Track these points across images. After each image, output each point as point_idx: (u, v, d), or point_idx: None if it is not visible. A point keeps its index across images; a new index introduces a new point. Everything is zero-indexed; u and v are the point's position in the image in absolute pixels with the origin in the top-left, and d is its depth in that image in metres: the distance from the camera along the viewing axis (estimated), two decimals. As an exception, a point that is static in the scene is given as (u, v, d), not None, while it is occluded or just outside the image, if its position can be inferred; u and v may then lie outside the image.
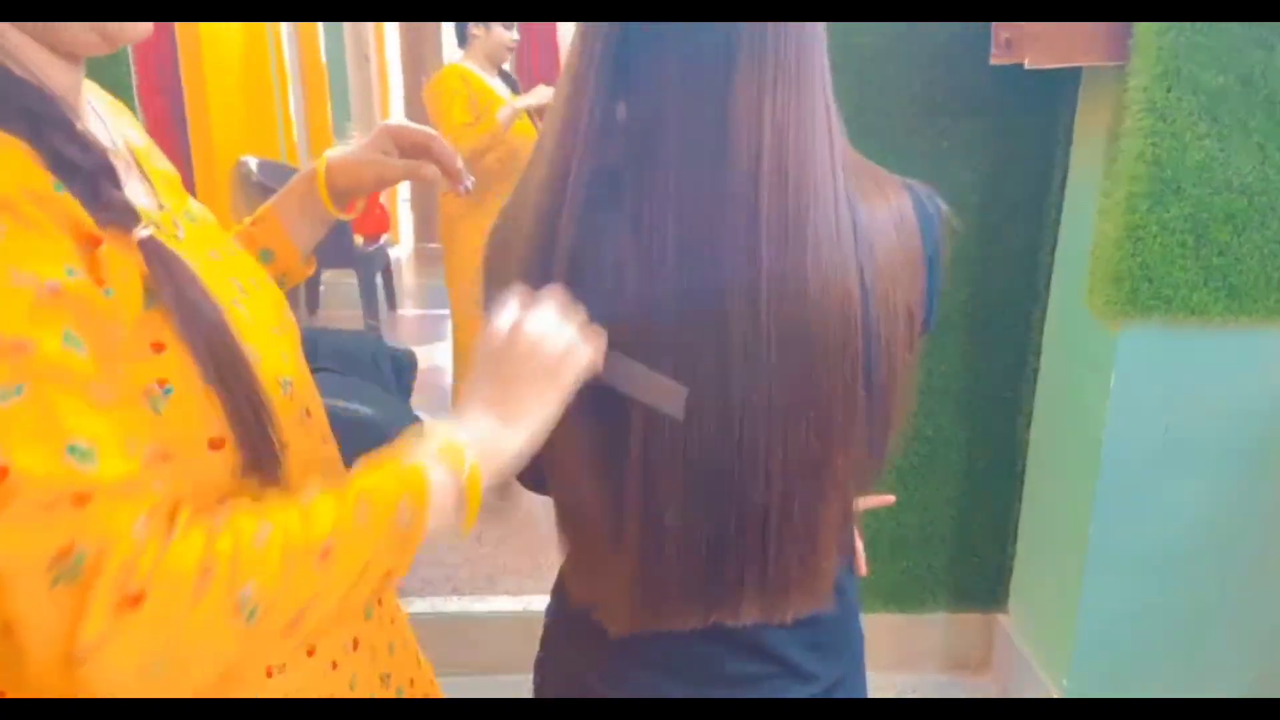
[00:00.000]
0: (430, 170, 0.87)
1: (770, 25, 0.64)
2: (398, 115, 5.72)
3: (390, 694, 0.81)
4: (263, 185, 3.64)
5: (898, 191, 0.73)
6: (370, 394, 1.11)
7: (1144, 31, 1.48)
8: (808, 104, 0.66)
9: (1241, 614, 1.77)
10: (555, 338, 0.66)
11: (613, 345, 0.69)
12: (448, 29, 5.54)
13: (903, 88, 1.81)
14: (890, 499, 0.98)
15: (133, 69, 1.77)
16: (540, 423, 0.67)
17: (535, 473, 0.77)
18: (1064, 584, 1.82)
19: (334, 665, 0.73)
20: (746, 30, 0.64)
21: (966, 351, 1.98)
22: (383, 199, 4.12)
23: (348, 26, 4.91)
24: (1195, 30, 1.45)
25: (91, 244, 0.54)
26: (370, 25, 5.36)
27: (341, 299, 4.76)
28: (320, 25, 4.26)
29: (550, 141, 0.70)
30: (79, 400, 0.50)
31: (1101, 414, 1.66)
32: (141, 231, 0.58)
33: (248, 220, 0.91)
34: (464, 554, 2.60)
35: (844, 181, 0.68)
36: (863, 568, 0.93)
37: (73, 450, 0.49)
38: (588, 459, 0.73)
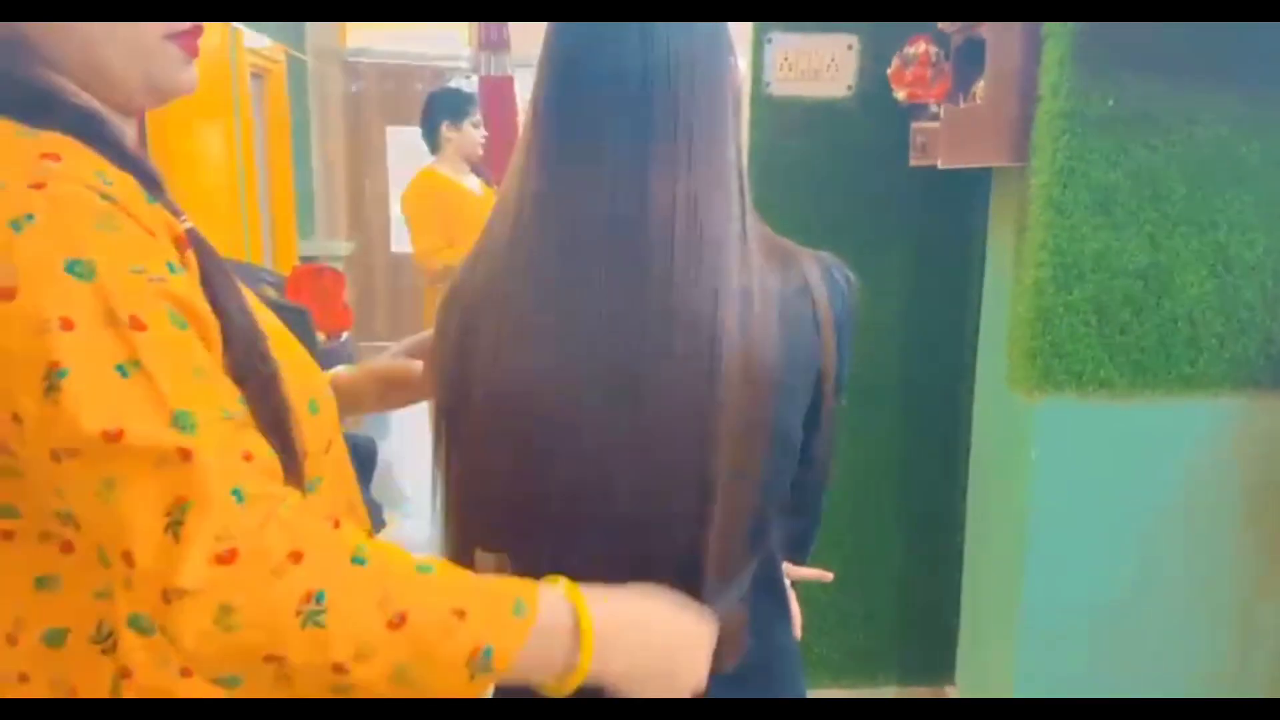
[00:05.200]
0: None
1: (682, 111, 0.75)
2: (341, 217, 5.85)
3: None
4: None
5: (808, 262, 0.82)
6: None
7: (1041, 134, 1.65)
8: (718, 179, 0.76)
9: (1171, 672, 1.85)
10: (702, 653, 0.73)
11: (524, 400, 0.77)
12: (392, 137, 5.75)
13: (832, 186, 1.97)
14: (828, 575, 1.02)
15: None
16: (636, 675, 0.69)
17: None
18: (1002, 653, 1.90)
19: None
20: (660, 117, 0.74)
21: (903, 429, 2.10)
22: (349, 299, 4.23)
23: (316, 126, 5.08)
24: (1086, 133, 1.62)
25: (182, 245, 0.64)
26: (338, 131, 5.57)
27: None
28: (290, 127, 4.42)
29: (498, 215, 0.81)
30: (184, 374, 0.57)
31: (1026, 484, 1.76)
32: (186, 222, 0.66)
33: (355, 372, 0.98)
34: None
35: (747, 248, 0.77)
36: (797, 630, 0.98)
37: (177, 418, 0.55)
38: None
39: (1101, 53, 1.58)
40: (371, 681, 0.58)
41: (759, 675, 0.88)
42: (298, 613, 0.55)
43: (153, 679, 0.67)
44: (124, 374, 0.55)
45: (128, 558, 0.54)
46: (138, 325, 0.56)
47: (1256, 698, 1.86)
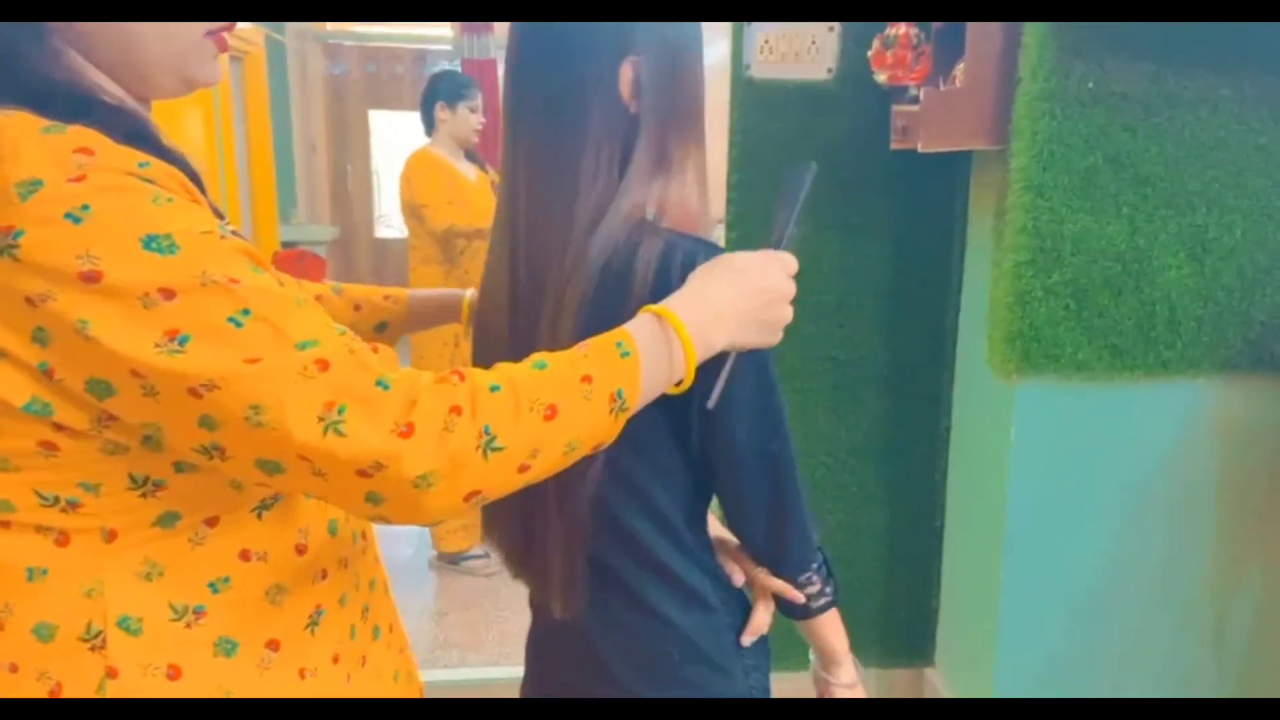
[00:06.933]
0: None
1: (594, 124, 0.83)
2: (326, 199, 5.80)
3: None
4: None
5: (652, 242, 0.83)
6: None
7: (1021, 118, 1.65)
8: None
9: (1149, 652, 1.87)
10: (774, 274, 0.81)
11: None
12: (375, 121, 5.71)
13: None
14: (799, 596, 0.97)
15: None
16: (735, 330, 0.79)
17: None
18: (981, 635, 1.91)
19: (348, 678, 0.79)
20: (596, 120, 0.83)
21: (883, 412, 2.10)
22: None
23: (296, 110, 5.03)
24: (1066, 116, 1.62)
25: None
26: (319, 114, 5.51)
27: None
28: (269, 111, 4.37)
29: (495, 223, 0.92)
30: (288, 308, 0.62)
31: (1005, 466, 1.77)
32: (226, 228, 0.68)
33: (377, 289, 1.06)
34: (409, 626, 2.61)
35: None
36: (753, 631, 0.96)
37: (301, 344, 0.61)
38: None
39: (1081, 35, 1.58)
40: (551, 463, 0.69)
41: (657, 662, 0.91)
42: (477, 448, 0.63)
43: (139, 680, 0.68)
44: (238, 324, 0.60)
45: (303, 459, 0.60)
46: (231, 280, 0.60)
47: (1238, 681, 1.89)
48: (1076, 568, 1.81)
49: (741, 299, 0.79)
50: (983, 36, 1.66)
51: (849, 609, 2.32)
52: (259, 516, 0.72)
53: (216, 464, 0.63)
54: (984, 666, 1.90)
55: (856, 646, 2.27)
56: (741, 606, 0.96)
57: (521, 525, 0.93)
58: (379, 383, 0.62)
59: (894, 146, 1.89)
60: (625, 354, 0.72)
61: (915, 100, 1.80)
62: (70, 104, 0.62)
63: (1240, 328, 1.73)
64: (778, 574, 0.94)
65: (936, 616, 2.18)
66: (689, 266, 0.82)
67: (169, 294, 0.58)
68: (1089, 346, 1.70)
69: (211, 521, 0.70)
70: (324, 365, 0.61)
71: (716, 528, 0.99)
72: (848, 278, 2.01)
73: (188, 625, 0.69)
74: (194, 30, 0.69)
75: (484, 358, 0.92)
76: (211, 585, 0.70)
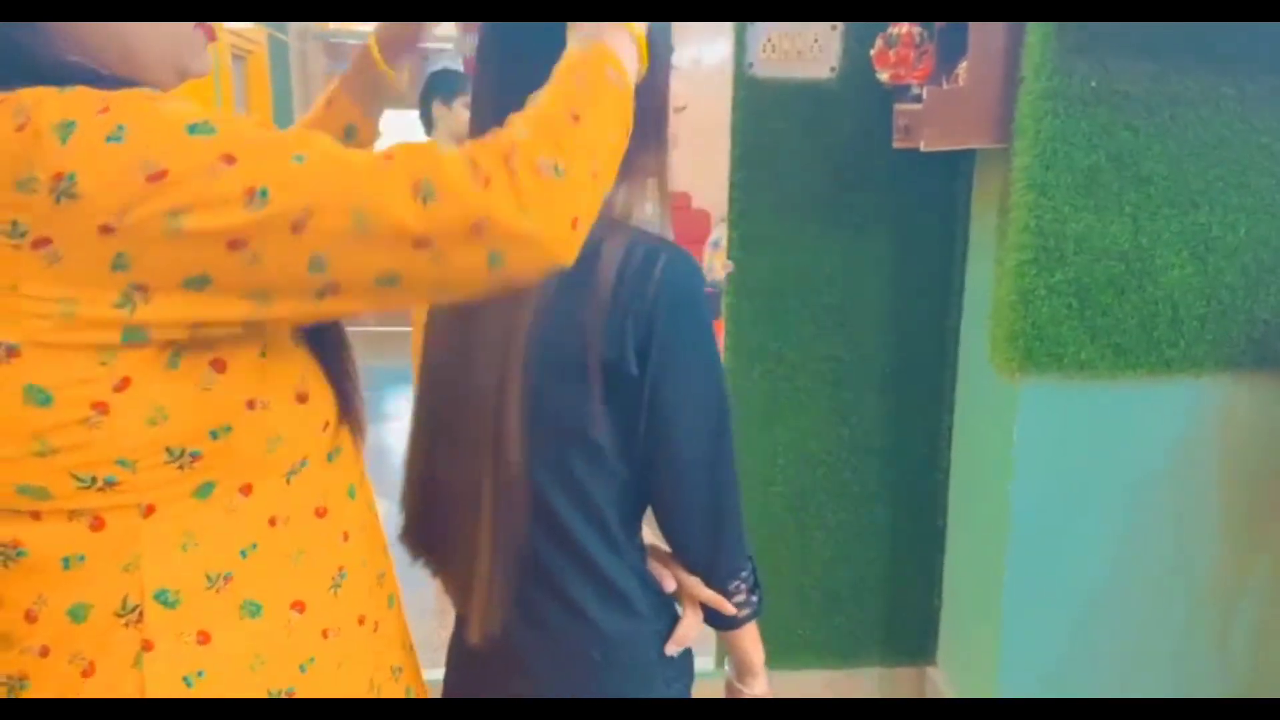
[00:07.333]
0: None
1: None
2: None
3: (399, 690, 0.88)
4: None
5: (614, 246, 0.83)
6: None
7: (1024, 117, 1.65)
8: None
9: (1152, 649, 1.87)
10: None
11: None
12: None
13: (816, 168, 1.96)
14: (728, 607, 0.95)
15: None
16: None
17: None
18: (984, 634, 1.91)
19: (372, 636, 0.83)
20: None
21: (886, 411, 2.10)
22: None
23: (298, 108, 5.04)
24: (1069, 114, 1.62)
25: None
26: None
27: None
28: (272, 109, 4.39)
29: None
30: (332, 141, 0.65)
31: (1008, 465, 1.77)
32: None
33: (320, 103, 1.04)
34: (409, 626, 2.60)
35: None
36: (680, 641, 0.95)
37: (359, 157, 0.65)
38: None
39: (1084, 34, 1.58)
40: (609, 152, 0.73)
41: (578, 663, 0.91)
42: (547, 175, 0.66)
43: (173, 648, 0.69)
44: (302, 160, 0.62)
45: (418, 246, 0.64)
46: (274, 132, 0.64)
47: (1243, 681, 1.89)
48: (1080, 567, 1.81)
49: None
50: (985, 35, 1.66)
51: (853, 605, 2.31)
52: (288, 481, 0.73)
53: (332, 305, 0.66)
54: (987, 666, 1.90)
55: (859, 646, 2.28)
56: (669, 616, 0.95)
57: (450, 529, 0.92)
58: (440, 155, 0.65)
59: (896, 145, 1.89)
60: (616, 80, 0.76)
61: (918, 99, 1.79)
62: (79, 79, 0.64)
63: (1243, 326, 1.73)
64: (709, 582, 0.93)
65: (939, 616, 2.17)
66: (651, 264, 0.82)
67: (230, 159, 0.60)
68: (1092, 345, 1.70)
69: (245, 490, 0.71)
70: (389, 156, 0.64)
71: (647, 535, 0.98)
72: (850, 277, 2.01)
73: (217, 591, 0.70)
74: (184, 22, 0.71)
75: (436, 352, 0.94)
76: (241, 552, 0.71)
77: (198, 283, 0.61)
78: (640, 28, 0.79)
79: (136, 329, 0.62)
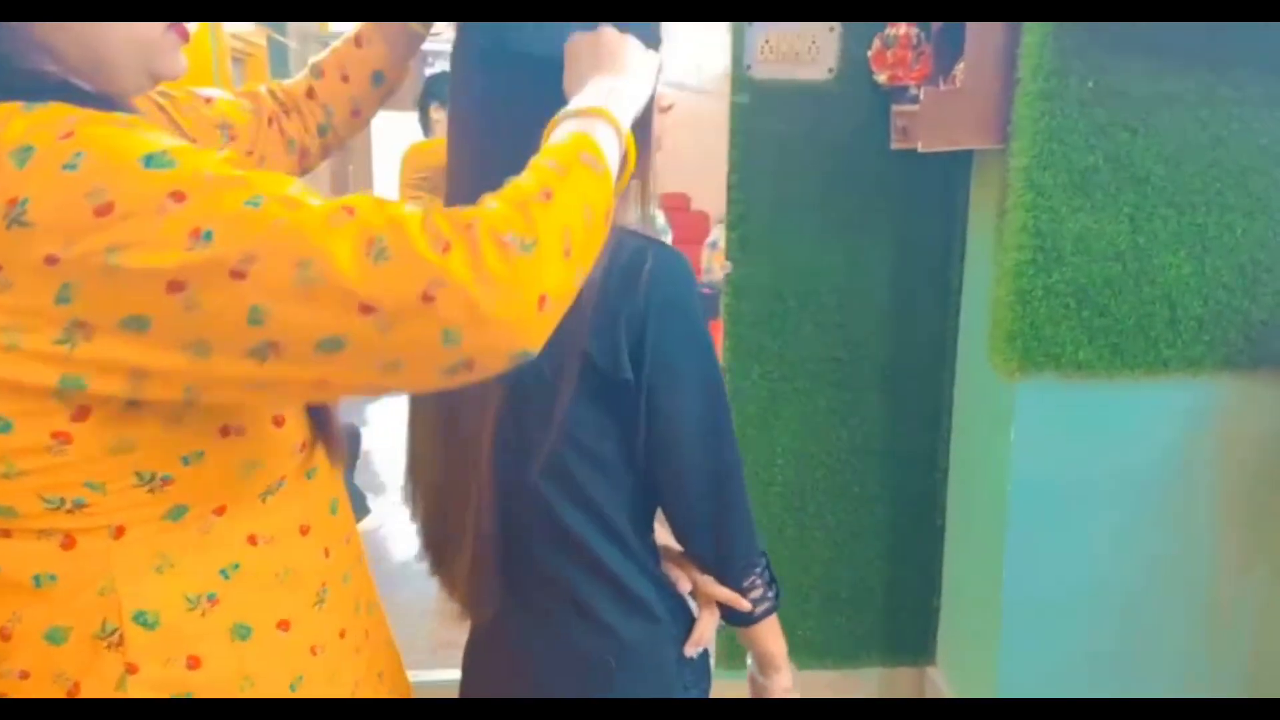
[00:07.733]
0: None
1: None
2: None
3: (385, 692, 0.89)
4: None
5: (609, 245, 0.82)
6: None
7: (1021, 117, 1.65)
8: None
9: (1151, 648, 1.87)
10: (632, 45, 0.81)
11: None
12: (375, 121, 5.71)
13: (814, 169, 1.97)
14: (744, 604, 0.96)
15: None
16: (646, 69, 0.80)
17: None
18: (984, 633, 1.91)
19: (357, 649, 0.82)
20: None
21: (887, 412, 2.10)
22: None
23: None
24: (1066, 115, 1.62)
25: None
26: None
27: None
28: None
29: None
30: (294, 184, 0.63)
31: (1006, 465, 1.77)
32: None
33: (347, 41, 1.03)
34: (408, 626, 2.60)
35: None
36: (697, 644, 0.96)
37: (320, 202, 0.61)
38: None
39: (1081, 35, 1.58)
40: (586, 234, 0.67)
41: (592, 670, 0.90)
42: (513, 249, 0.61)
43: (160, 673, 0.68)
44: (256, 204, 0.59)
45: (364, 311, 0.59)
46: (233, 175, 0.61)
47: (1242, 681, 1.89)
48: (1078, 566, 1.81)
49: (635, 52, 0.81)
50: (983, 36, 1.66)
51: (853, 606, 2.30)
52: (264, 501, 0.73)
53: (273, 370, 0.60)
54: (986, 665, 1.90)
55: (858, 646, 2.28)
56: (685, 619, 0.95)
57: (447, 516, 0.93)
58: (403, 214, 0.61)
59: (894, 146, 1.89)
60: (597, 168, 0.73)
61: (915, 100, 1.80)
62: (50, 89, 0.63)
63: (1241, 326, 1.73)
64: (723, 579, 0.94)
65: (938, 616, 2.18)
66: (637, 263, 0.82)
67: (180, 197, 0.58)
68: (1089, 345, 1.70)
69: (219, 511, 0.70)
70: (349, 210, 0.60)
71: (661, 536, 0.98)
72: (848, 277, 2.01)
73: (203, 614, 0.70)
74: (156, 24, 0.69)
75: None
76: (223, 572, 0.71)
77: (136, 323, 0.59)
78: (626, 123, 0.75)
79: (73, 377, 0.60)
